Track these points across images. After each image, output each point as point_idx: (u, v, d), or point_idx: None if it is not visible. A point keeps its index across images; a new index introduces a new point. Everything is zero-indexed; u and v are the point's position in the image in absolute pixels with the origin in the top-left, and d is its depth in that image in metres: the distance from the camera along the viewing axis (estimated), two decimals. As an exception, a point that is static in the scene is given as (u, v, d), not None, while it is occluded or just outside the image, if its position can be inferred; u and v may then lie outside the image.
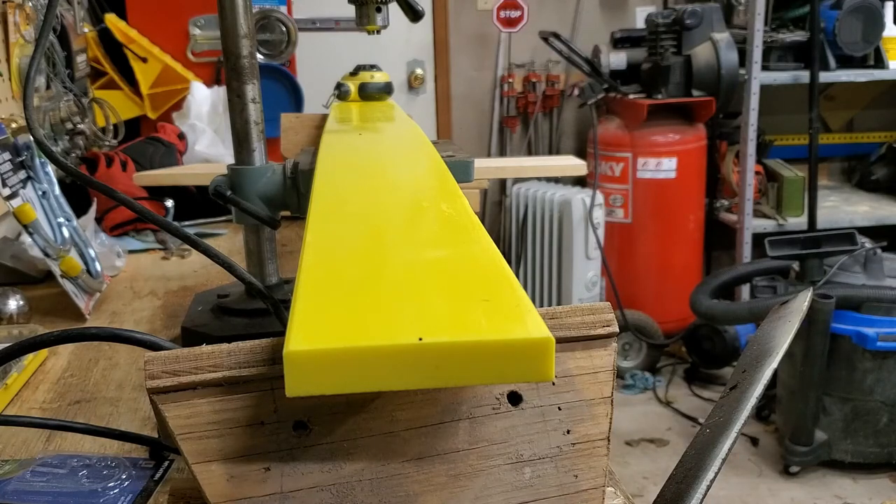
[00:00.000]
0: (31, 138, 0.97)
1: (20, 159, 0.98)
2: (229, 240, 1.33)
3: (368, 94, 1.15)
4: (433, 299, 0.37)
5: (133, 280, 1.12)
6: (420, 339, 0.33)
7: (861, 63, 3.09)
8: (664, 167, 3.09)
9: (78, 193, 1.23)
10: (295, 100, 1.88)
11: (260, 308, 0.80)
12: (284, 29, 1.75)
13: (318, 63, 3.05)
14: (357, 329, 0.34)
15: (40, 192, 1.00)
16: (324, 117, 1.16)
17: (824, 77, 3.01)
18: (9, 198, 0.92)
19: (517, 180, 3.31)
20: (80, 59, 1.66)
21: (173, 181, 1.34)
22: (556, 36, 3.08)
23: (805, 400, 2.30)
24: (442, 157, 0.70)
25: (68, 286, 0.95)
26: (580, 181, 3.36)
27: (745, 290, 3.04)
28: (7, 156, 0.95)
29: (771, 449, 2.53)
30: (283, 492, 0.39)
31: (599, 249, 3.07)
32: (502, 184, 3.50)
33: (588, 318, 0.44)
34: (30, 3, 1.33)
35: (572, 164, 1.44)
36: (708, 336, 3.01)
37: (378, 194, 0.57)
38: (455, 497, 0.40)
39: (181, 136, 1.66)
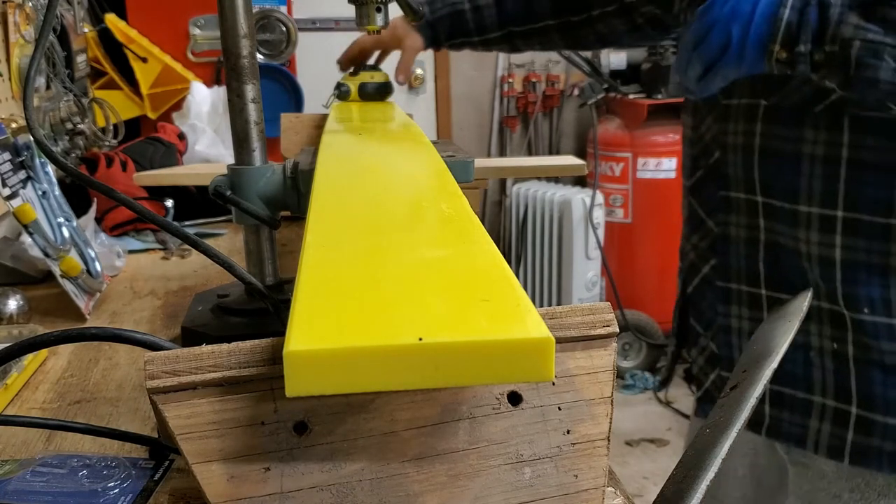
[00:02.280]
0: (31, 138, 0.97)
1: (20, 159, 0.98)
2: (229, 240, 1.33)
3: (368, 93, 1.16)
4: (433, 299, 0.37)
5: (133, 280, 1.12)
6: (420, 339, 0.33)
7: (861, 63, 3.08)
8: (664, 167, 3.09)
9: (78, 193, 1.23)
10: (295, 100, 1.88)
11: (260, 308, 0.80)
12: (284, 29, 1.76)
13: (318, 63, 3.04)
14: (357, 329, 0.34)
15: (40, 192, 1.00)
16: (324, 117, 1.16)
17: (824, 77, 3.01)
18: (9, 198, 0.92)
19: (517, 180, 3.32)
20: (80, 59, 1.66)
21: (173, 181, 1.34)
22: (556, 36, 3.07)
23: (805, 400, 2.29)
24: (442, 157, 0.70)
25: (68, 286, 0.95)
26: (580, 181, 3.36)
27: (745, 290, 3.04)
28: (7, 156, 0.95)
29: (771, 449, 2.53)
30: (283, 492, 0.39)
31: (599, 249, 3.07)
32: (502, 184, 3.50)
33: (588, 318, 0.44)
34: (30, 3, 1.33)
35: (572, 164, 1.44)
36: (708, 336, 3.01)
37: (378, 194, 0.57)
38: (455, 497, 0.40)
39: (181, 136, 1.66)
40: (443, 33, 1.23)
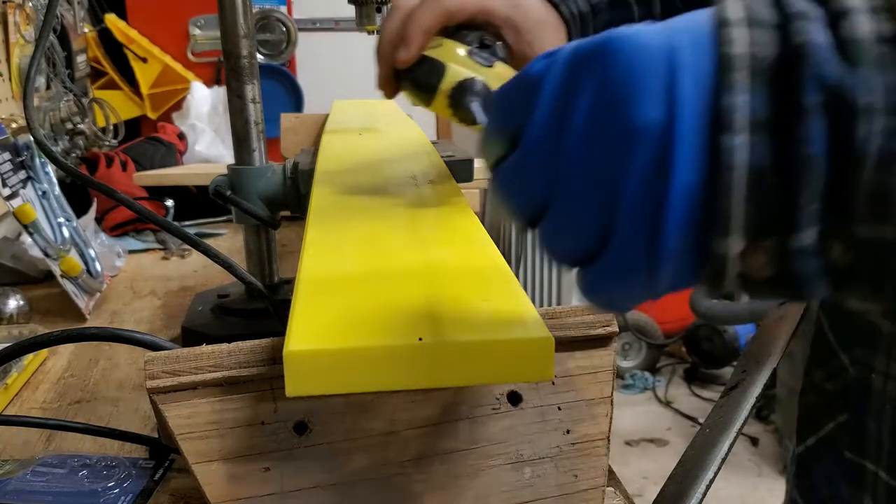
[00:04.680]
0: (32, 138, 0.97)
1: (20, 159, 0.98)
2: (229, 240, 1.33)
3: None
4: (433, 299, 0.37)
5: (133, 280, 1.12)
6: (420, 340, 0.33)
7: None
8: (664, 167, 3.09)
9: (78, 193, 1.23)
10: (295, 100, 1.88)
11: (260, 308, 0.80)
12: (284, 29, 1.76)
13: (318, 63, 3.04)
14: (357, 329, 0.34)
15: (40, 192, 1.00)
16: (324, 117, 1.16)
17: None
18: (9, 198, 0.92)
19: (517, 180, 3.31)
20: (81, 59, 1.66)
21: (173, 181, 1.34)
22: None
23: (805, 400, 2.29)
24: (442, 157, 0.70)
25: (68, 286, 0.95)
26: (580, 181, 3.35)
27: (745, 290, 3.04)
28: (7, 156, 0.95)
29: (771, 449, 2.53)
30: (283, 492, 0.39)
31: (599, 249, 3.06)
32: (502, 184, 3.50)
33: (588, 318, 0.44)
34: (30, 3, 1.33)
35: (572, 164, 1.43)
36: (708, 336, 3.01)
37: (378, 194, 0.57)
38: (455, 497, 0.40)
39: (181, 136, 1.66)
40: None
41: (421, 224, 0.50)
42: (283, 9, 1.85)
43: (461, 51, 0.53)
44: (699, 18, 0.29)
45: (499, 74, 0.52)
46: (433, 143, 0.80)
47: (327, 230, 0.49)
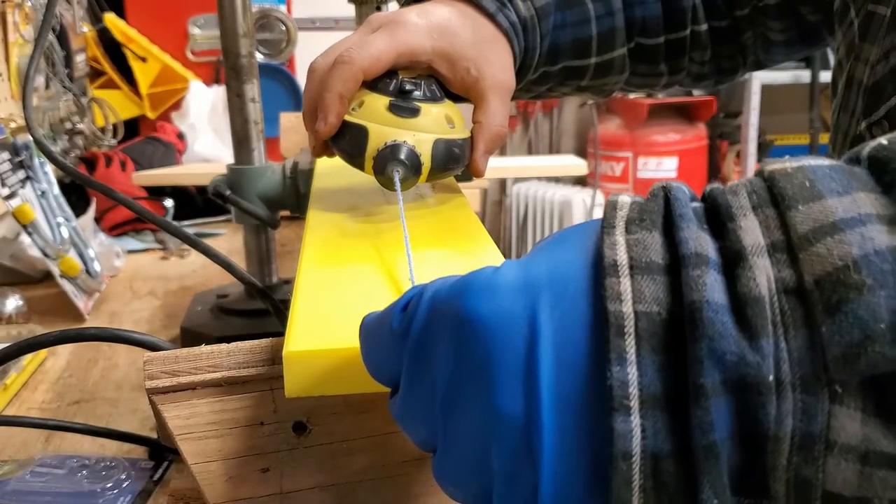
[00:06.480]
0: (31, 138, 0.97)
1: (19, 159, 0.98)
2: (229, 240, 1.33)
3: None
4: (433, 299, 0.37)
5: (132, 280, 1.12)
6: (420, 339, 0.33)
7: (861, 62, 3.08)
8: (665, 167, 3.09)
9: (77, 193, 1.23)
10: (294, 99, 1.88)
11: (259, 308, 0.80)
12: (284, 28, 1.75)
13: (318, 63, 3.03)
14: (356, 329, 0.34)
15: (39, 192, 1.00)
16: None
17: (826, 76, 3.01)
18: (8, 198, 0.92)
19: (517, 180, 3.31)
20: (80, 58, 1.66)
21: (172, 181, 1.34)
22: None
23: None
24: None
25: (67, 286, 0.95)
26: (580, 181, 3.36)
27: (745, 290, 3.04)
28: (6, 155, 0.94)
29: (771, 449, 2.53)
30: (283, 492, 0.39)
31: (599, 249, 3.06)
32: (502, 184, 3.50)
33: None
34: (29, 3, 1.33)
35: (572, 164, 1.44)
36: (708, 336, 3.01)
37: (377, 193, 0.57)
38: (455, 498, 0.40)
39: (180, 136, 1.66)
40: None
41: (421, 223, 0.50)
42: (283, 8, 1.85)
43: (383, 104, 0.49)
44: (577, 258, 0.25)
45: (428, 122, 0.50)
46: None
47: (327, 230, 0.49)
